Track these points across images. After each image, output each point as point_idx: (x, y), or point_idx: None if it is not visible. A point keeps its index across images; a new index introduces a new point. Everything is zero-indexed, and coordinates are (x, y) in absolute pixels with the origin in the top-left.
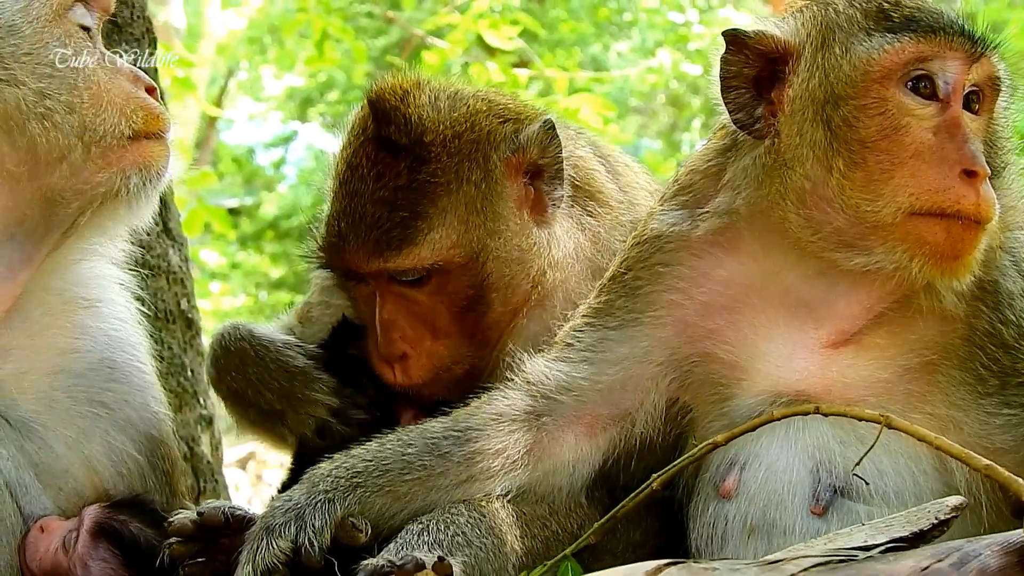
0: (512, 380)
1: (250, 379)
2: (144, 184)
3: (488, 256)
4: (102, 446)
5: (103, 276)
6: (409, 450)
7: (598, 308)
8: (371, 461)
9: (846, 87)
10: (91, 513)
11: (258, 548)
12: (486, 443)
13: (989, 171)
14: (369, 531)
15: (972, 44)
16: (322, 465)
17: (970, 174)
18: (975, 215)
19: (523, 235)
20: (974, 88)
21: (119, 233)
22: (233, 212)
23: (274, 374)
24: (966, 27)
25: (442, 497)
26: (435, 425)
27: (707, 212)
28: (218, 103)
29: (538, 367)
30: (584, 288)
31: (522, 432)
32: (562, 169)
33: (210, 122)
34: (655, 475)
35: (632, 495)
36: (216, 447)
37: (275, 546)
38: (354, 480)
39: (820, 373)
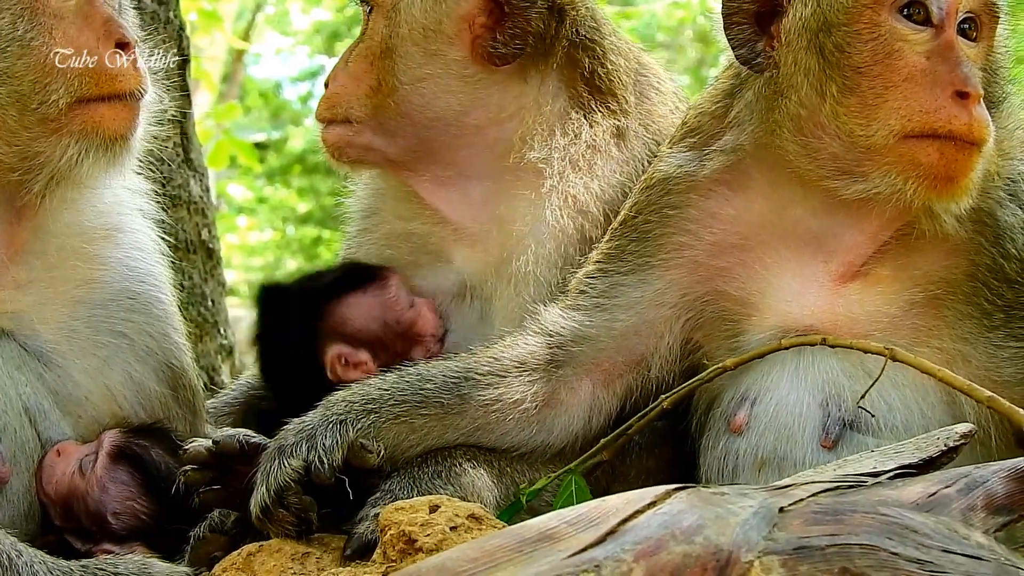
0: (530, 327)
1: None
2: (87, 152)
3: (403, 20)
4: (122, 376)
5: (121, 204)
6: (428, 385)
7: (609, 253)
8: (387, 391)
9: (838, 14)
10: (111, 436)
11: (271, 469)
12: (506, 390)
13: (982, 92)
14: (382, 453)
15: None
16: (338, 392)
17: (962, 95)
18: (967, 135)
19: (449, 49)
20: (970, 15)
21: (100, 188)
22: (260, 146)
23: None
24: None
25: (458, 438)
26: (456, 364)
27: (714, 151)
28: (245, 37)
29: (554, 316)
30: (598, 186)
31: (541, 383)
32: (524, 34)
33: (237, 56)
34: (664, 395)
35: (641, 414)
36: (237, 376)
37: (287, 465)
38: (368, 406)
39: (828, 308)
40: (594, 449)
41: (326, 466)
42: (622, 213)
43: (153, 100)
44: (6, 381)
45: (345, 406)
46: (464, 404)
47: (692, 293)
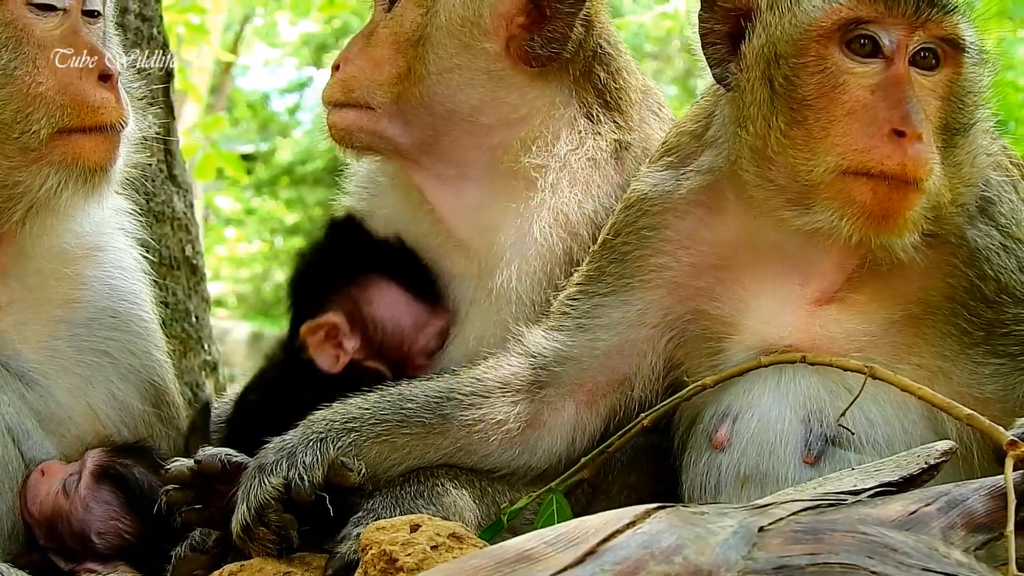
0: (513, 348)
1: None
2: (66, 182)
3: (441, 9)
4: (105, 395)
5: (103, 223)
6: (409, 405)
7: (590, 275)
8: (368, 410)
9: (787, 45)
10: (94, 456)
11: (251, 487)
12: (489, 411)
13: (921, 130)
14: (363, 471)
15: (915, 9)
16: (319, 411)
17: (900, 133)
18: (901, 175)
19: (484, 42)
20: (928, 45)
21: (80, 215)
22: (248, 158)
23: None
24: None
25: (440, 459)
26: (438, 384)
27: (691, 170)
28: (233, 49)
29: (537, 337)
30: (591, 207)
31: (524, 404)
32: (563, 39)
33: (225, 68)
34: (644, 413)
35: (622, 432)
36: (221, 392)
37: (267, 483)
38: (348, 425)
39: (806, 328)
40: (575, 467)
41: (306, 483)
42: (602, 234)
43: (133, 130)
44: None
45: (326, 424)
46: (446, 424)
47: (673, 313)
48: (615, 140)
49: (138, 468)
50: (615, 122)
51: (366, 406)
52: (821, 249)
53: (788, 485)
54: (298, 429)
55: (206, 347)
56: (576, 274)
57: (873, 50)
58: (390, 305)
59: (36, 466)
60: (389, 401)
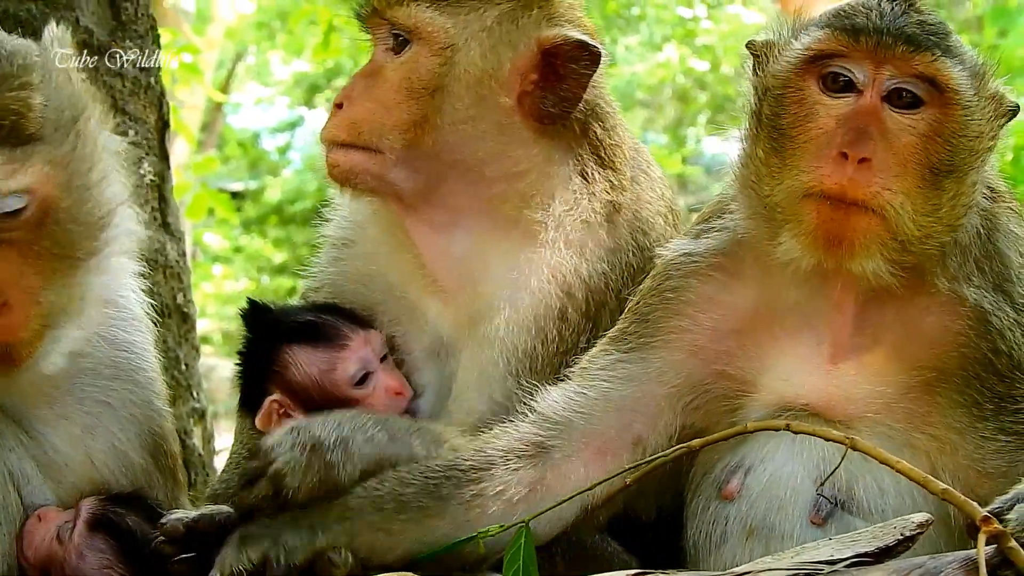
0: (522, 414)
1: None
2: None
3: (460, 60)
4: (105, 445)
5: (114, 276)
6: (407, 490)
7: (613, 337)
8: (364, 498)
9: (772, 79)
10: (88, 505)
11: (228, 553)
12: (488, 484)
13: (865, 153)
14: (349, 563)
15: (877, 43)
16: None
17: (845, 156)
18: (840, 195)
19: (500, 95)
20: (904, 84)
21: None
22: (237, 196)
23: None
24: (889, 27)
25: (437, 540)
26: (439, 463)
27: (712, 229)
28: (225, 87)
29: (549, 395)
30: (586, 270)
31: (527, 469)
32: (575, 99)
33: (216, 106)
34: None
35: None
36: (208, 440)
37: (244, 554)
38: (345, 515)
39: (823, 388)
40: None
41: (282, 564)
42: (629, 304)
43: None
44: None
45: (321, 513)
46: (444, 504)
47: (695, 376)
48: (608, 201)
49: (132, 517)
50: (609, 181)
51: (363, 494)
52: (823, 296)
53: (794, 542)
54: (288, 513)
55: (195, 395)
56: (601, 338)
57: (848, 85)
58: (301, 363)
59: (34, 511)
60: (388, 487)
